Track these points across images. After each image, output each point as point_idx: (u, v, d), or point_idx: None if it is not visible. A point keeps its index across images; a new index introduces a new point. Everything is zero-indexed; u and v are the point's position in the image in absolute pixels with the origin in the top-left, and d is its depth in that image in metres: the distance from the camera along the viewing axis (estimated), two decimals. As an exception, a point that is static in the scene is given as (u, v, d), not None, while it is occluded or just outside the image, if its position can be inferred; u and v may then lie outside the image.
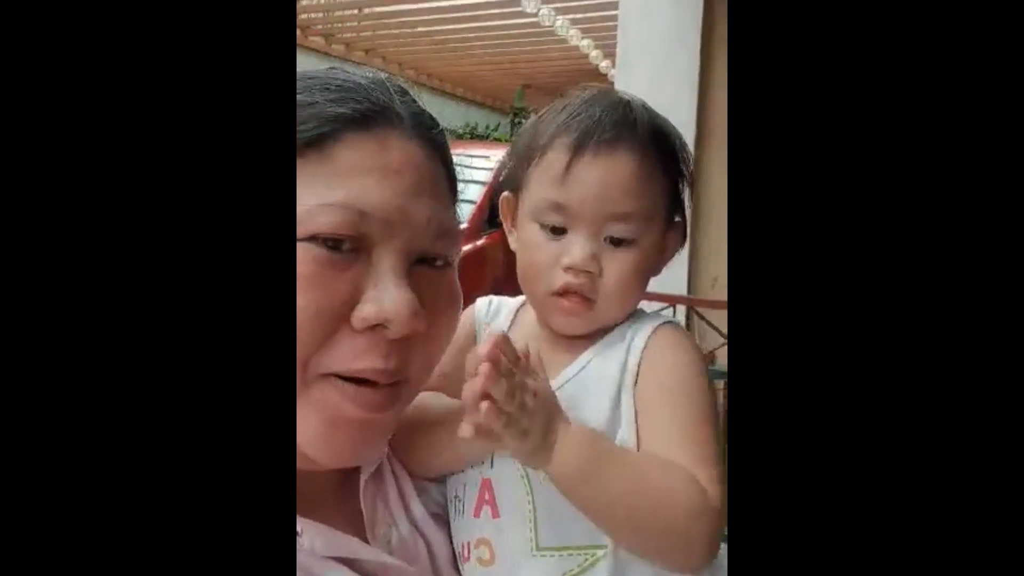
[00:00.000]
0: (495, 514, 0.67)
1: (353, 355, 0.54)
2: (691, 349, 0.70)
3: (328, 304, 0.53)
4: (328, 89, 0.58)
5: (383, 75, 0.64)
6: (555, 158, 0.68)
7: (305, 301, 0.52)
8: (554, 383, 0.67)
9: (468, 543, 0.69)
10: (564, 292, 0.68)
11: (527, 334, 0.75)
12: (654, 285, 0.76)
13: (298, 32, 8.12)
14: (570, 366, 0.70)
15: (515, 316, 0.79)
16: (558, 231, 0.69)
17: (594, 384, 0.68)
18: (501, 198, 0.76)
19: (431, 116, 0.64)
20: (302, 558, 0.56)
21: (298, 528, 0.56)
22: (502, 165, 0.82)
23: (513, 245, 0.75)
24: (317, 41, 8.38)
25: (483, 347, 0.55)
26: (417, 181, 0.58)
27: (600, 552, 0.64)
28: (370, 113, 0.58)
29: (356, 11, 7.94)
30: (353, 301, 0.54)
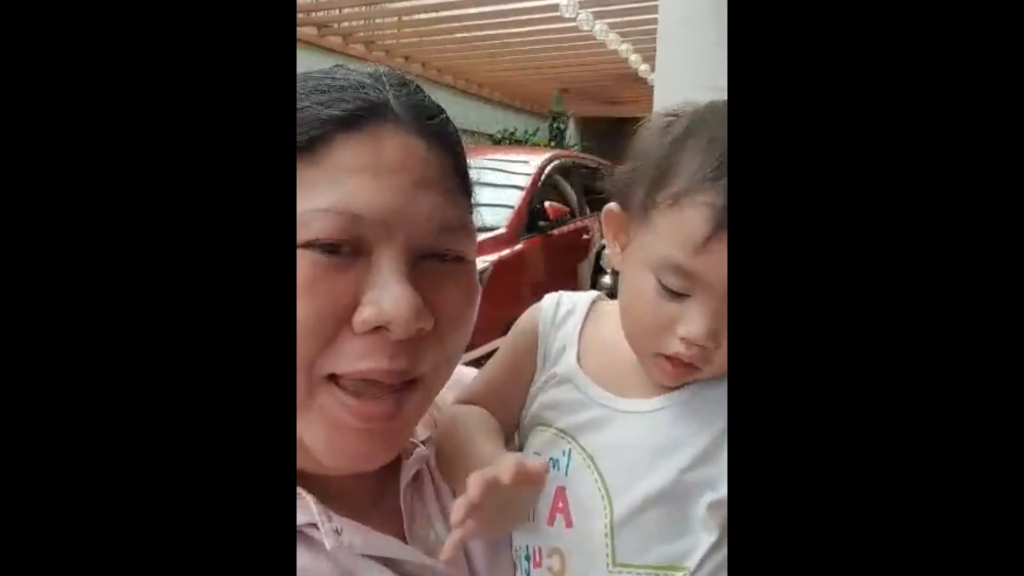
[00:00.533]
0: (569, 524, 0.65)
1: (357, 357, 0.53)
2: None
3: (331, 309, 0.53)
4: (320, 91, 0.57)
5: (382, 69, 0.62)
6: (694, 219, 0.59)
7: (306, 307, 0.51)
8: (649, 403, 0.66)
9: (540, 548, 0.66)
10: (672, 357, 0.63)
11: (612, 335, 0.69)
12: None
13: (340, 39, 8.26)
14: (670, 394, 0.67)
15: (588, 312, 0.73)
16: (679, 295, 0.61)
17: (695, 413, 0.65)
18: (607, 210, 0.69)
19: (434, 105, 0.62)
20: (341, 556, 0.56)
21: (337, 526, 0.57)
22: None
23: (616, 265, 0.69)
24: (358, 48, 8.51)
25: (475, 489, 0.54)
26: (417, 177, 0.56)
27: (678, 574, 0.61)
28: (361, 112, 0.56)
29: (396, 18, 8.04)
30: (355, 304, 0.53)
